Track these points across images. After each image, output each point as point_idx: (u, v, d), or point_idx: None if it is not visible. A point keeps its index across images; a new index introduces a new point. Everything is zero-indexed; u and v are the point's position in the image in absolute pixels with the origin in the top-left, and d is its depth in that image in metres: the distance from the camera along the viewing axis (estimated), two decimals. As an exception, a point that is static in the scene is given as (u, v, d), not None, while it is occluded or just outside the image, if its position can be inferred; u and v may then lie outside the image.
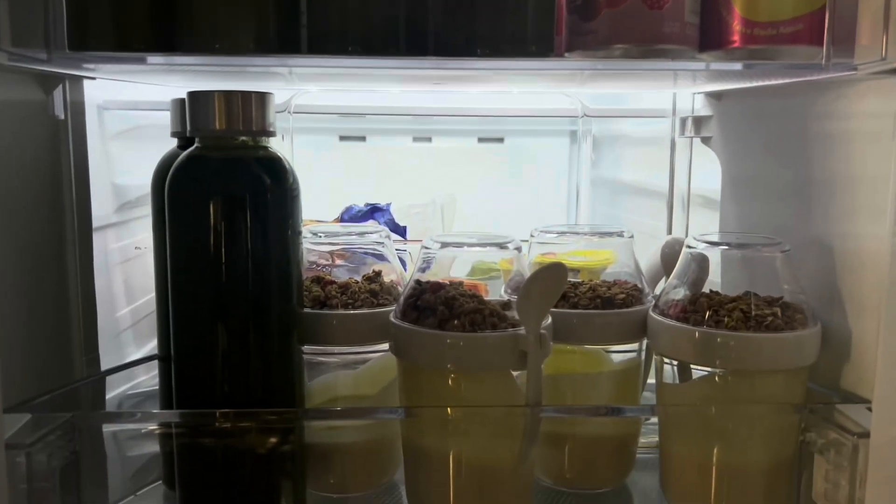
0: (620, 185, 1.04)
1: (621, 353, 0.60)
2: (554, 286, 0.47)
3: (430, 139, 1.18)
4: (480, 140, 1.19)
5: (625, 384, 0.59)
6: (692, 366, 0.52)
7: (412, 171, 1.15)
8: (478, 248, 0.51)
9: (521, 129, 1.18)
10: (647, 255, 0.64)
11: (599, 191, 1.11)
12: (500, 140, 1.20)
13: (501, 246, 0.50)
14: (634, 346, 0.58)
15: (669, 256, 0.61)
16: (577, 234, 0.59)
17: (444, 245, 0.51)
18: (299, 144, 0.87)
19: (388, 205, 0.88)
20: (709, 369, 0.50)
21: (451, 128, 1.17)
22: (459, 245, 0.51)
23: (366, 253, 0.61)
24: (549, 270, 0.46)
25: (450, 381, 0.49)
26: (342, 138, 1.17)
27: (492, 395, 0.49)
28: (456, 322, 0.48)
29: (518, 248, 0.51)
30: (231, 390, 0.49)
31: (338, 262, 0.63)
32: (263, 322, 0.49)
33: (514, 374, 0.50)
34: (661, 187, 0.85)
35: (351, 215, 0.86)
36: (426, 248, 0.51)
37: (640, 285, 0.58)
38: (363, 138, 1.17)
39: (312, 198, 0.71)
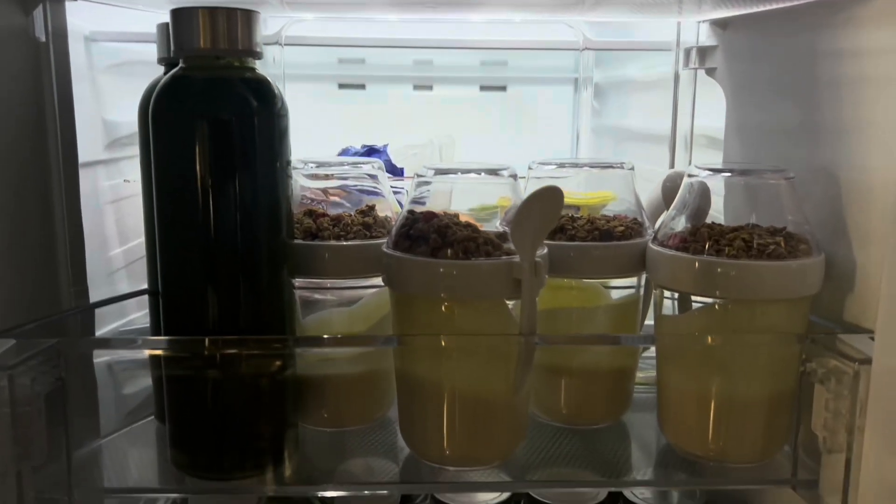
0: (623, 132, 1.03)
1: (620, 290, 0.59)
2: (550, 210, 0.45)
3: (430, 87, 1.16)
4: (482, 88, 1.17)
5: (623, 321, 0.57)
6: (692, 298, 0.51)
7: (412, 120, 1.13)
8: (473, 176, 0.49)
9: (523, 76, 1.15)
10: (649, 191, 0.63)
11: (602, 139, 1.10)
12: (503, 88, 1.18)
13: (496, 173, 0.49)
14: (633, 280, 0.57)
15: (671, 190, 0.59)
16: (577, 166, 0.57)
17: (439, 172, 0.50)
18: (297, 93, 0.84)
19: (385, 146, 0.86)
20: (709, 300, 0.49)
21: (453, 75, 1.15)
22: (454, 171, 0.49)
23: (361, 191, 0.60)
24: (545, 193, 0.45)
25: (443, 311, 0.48)
26: (341, 86, 1.15)
27: (486, 325, 0.48)
28: (449, 250, 0.47)
29: (514, 176, 0.49)
30: (220, 323, 0.48)
31: (331, 199, 0.62)
32: (252, 252, 0.48)
33: (510, 305, 0.49)
34: (664, 131, 0.83)
35: (349, 154, 0.84)
36: (420, 176, 0.50)
37: (640, 219, 0.56)
38: (363, 86, 1.15)
39: (312, 147, 0.70)
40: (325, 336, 0.55)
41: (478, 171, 0.49)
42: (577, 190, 0.60)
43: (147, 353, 0.51)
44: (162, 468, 0.52)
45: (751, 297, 0.47)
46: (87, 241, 0.59)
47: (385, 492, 0.57)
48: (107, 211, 0.71)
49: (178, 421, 0.49)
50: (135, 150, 0.57)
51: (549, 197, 0.45)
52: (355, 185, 0.59)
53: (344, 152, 0.85)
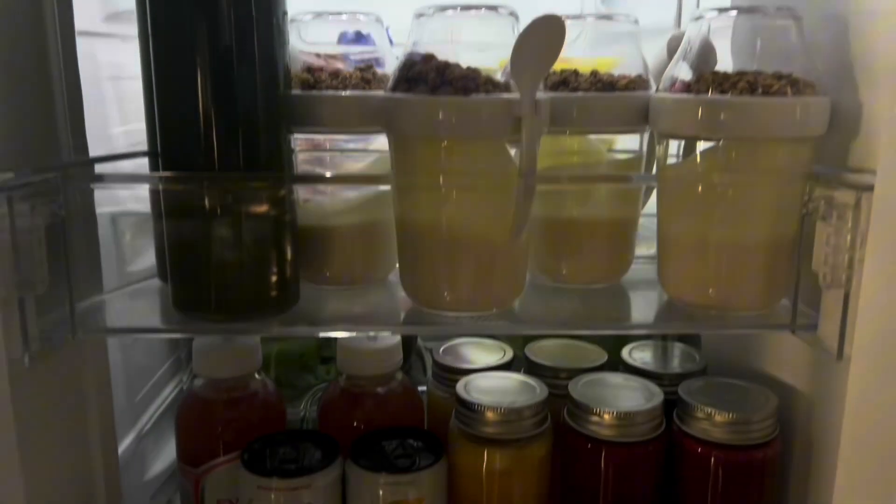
0: None
1: (622, 153, 0.58)
2: (550, 41, 0.44)
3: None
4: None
5: (624, 196, 0.57)
6: (696, 145, 0.50)
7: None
8: (473, 12, 0.48)
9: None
10: (654, 53, 0.61)
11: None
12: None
13: (495, 9, 0.48)
14: (636, 139, 0.56)
15: (676, 49, 0.58)
16: (579, 17, 0.56)
17: (439, 10, 0.49)
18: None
19: (387, 28, 0.85)
20: (712, 143, 0.48)
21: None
22: (453, 7, 0.48)
23: (361, 60, 0.59)
24: (544, 22, 0.44)
25: (442, 153, 0.47)
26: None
27: (485, 167, 0.48)
28: (448, 88, 0.46)
29: (513, 14, 0.48)
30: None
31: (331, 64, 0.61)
32: (250, 104, 0.47)
33: (511, 153, 0.48)
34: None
35: (346, 40, 0.83)
36: (420, 15, 0.49)
37: (644, 76, 0.55)
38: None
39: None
40: (324, 175, 0.54)
41: (477, 7, 0.48)
42: (582, 55, 0.59)
43: (148, 191, 0.51)
44: (165, 315, 0.52)
45: (754, 136, 0.47)
46: (87, 115, 0.59)
47: (388, 333, 0.58)
48: (106, 87, 0.71)
49: (181, 263, 0.49)
50: (134, 29, 0.56)
51: (550, 26, 0.44)
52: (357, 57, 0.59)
53: (342, 37, 0.84)
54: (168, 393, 0.83)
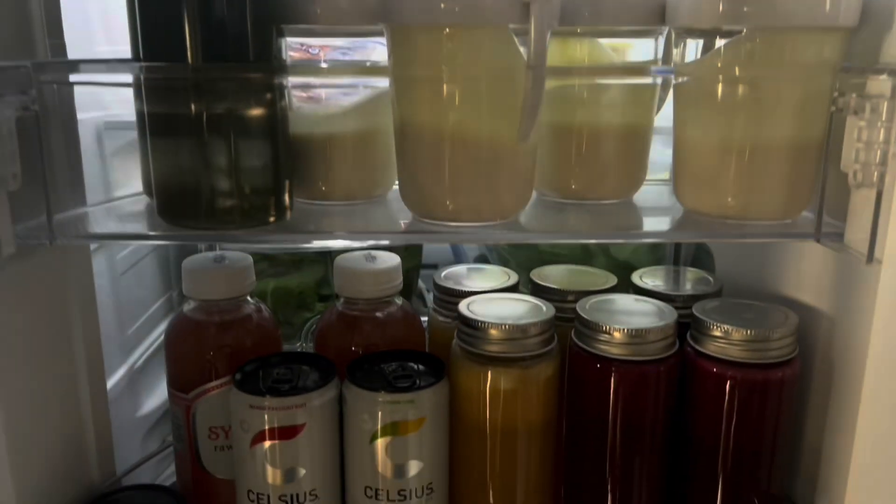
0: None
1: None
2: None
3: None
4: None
5: (637, 102, 0.53)
6: (716, 43, 0.47)
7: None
8: None
9: None
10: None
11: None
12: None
13: None
14: (650, 46, 0.53)
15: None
16: None
17: None
18: None
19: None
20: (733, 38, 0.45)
21: None
22: None
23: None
24: None
25: (443, 42, 0.44)
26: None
27: (490, 59, 0.44)
28: (450, -28, 0.43)
29: None
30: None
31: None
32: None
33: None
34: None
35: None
36: None
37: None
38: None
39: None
40: (317, 66, 0.51)
41: None
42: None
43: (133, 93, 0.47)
44: (151, 226, 0.49)
45: (780, 24, 0.43)
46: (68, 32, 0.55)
47: (387, 241, 0.55)
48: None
49: (164, 167, 0.46)
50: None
51: None
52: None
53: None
54: (161, 331, 0.81)
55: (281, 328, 0.61)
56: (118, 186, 0.63)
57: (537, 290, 0.60)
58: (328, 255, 0.80)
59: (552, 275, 0.62)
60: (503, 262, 0.81)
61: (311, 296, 0.82)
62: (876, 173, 0.42)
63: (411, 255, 0.84)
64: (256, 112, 0.46)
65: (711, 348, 0.51)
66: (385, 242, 0.57)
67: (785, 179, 0.47)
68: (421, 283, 0.91)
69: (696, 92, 0.48)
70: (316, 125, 0.51)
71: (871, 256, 0.42)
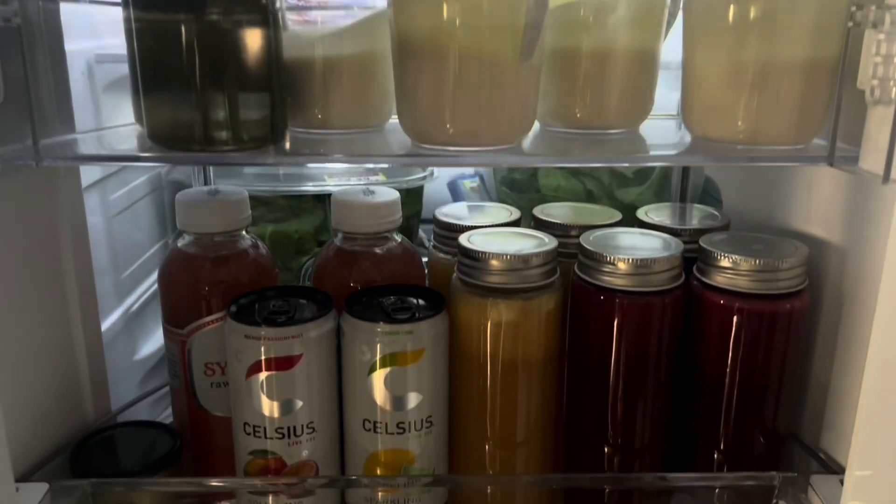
0: None
1: None
2: None
3: None
4: None
5: (646, 24, 0.51)
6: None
7: None
8: None
9: None
10: None
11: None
12: None
13: None
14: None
15: None
16: None
17: None
18: None
19: None
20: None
21: None
22: None
23: None
24: None
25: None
26: None
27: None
28: None
29: None
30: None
31: None
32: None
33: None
34: None
35: None
36: None
37: None
38: None
39: None
40: None
41: None
42: None
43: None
44: (141, 147, 0.48)
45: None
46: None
47: (386, 165, 0.53)
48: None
49: (154, 86, 0.44)
50: None
51: None
52: None
53: None
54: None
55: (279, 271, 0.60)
56: (110, 120, 0.62)
57: (540, 226, 0.59)
58: (326, 200, 0.79)
59: (555, 211, 0.60)
60: (505, 207, 0.79)
61: (310, 241, 0.81)
62: (894, 89, 0.40)
63: (412, 202, 0.83)
64: (249, 31, 0.44)
65: (718, 280, 0.50)
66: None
67: (797, 102, 0.45)
68: (422, 233, 0.90)
69: (707, 10, 0.46)
70: (311, 47, 0.49)
71: (887, 176, 0.41)
